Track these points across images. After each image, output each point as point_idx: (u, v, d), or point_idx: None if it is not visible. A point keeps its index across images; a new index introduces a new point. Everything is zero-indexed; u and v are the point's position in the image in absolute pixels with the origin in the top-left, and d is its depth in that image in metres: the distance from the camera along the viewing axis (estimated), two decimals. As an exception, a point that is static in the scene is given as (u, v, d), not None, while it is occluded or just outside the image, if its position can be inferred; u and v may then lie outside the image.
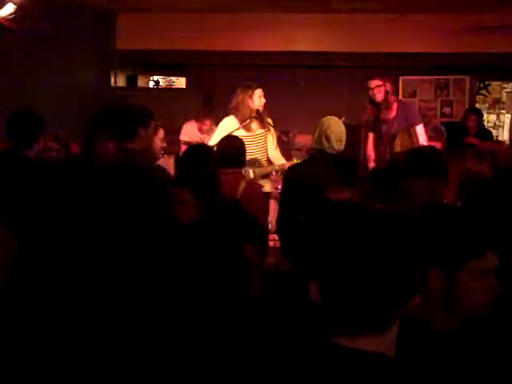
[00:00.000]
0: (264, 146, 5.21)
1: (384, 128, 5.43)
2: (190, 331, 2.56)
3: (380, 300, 1.11)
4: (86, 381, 2.25)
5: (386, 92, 5.37)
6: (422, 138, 5.30)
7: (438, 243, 1.47)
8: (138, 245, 2.61)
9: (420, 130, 5.33)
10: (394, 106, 5.41)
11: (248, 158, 4.64)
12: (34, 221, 2.96)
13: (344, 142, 4.41)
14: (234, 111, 5.10)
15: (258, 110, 5.08)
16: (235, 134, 4.76)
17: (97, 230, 2.66)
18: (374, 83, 5.39)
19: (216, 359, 2.42)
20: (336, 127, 4.40)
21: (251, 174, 4.96)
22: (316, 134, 4.35)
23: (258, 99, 5.08)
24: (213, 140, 5.02)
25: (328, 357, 1.12)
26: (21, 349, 2.23)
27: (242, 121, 5.05)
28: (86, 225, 2.68)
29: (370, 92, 5.41)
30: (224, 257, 2.75)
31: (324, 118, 4.46)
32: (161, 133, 4.19)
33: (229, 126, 5.08)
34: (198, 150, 4.05)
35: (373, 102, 5.44)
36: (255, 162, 5.08)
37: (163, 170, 3.79)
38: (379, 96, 5.36)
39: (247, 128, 5.09)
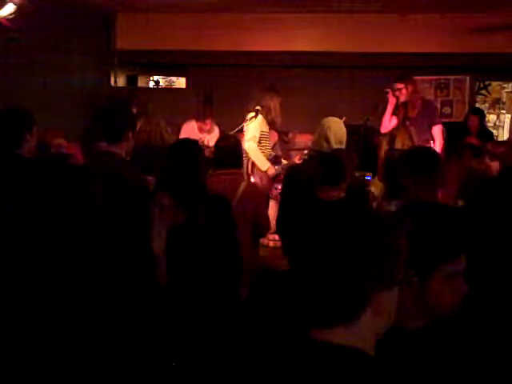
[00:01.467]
0: (271, 145, 5.68)
1: (408, 124, 5.68)
2: (180, 329, 2.56)
3: (341, 293, 1.16)
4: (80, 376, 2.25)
5: (410, 92, 5.69)
6: (438, 140, 5.53)
7: (411, 245, 1.49)
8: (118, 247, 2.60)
9: (437, 130, 5.57)
10: (418, 103, 5.68)
11: (270, 154, 5.43)
12: (32, 220, 2.96)
13: (344, 143, 4.42)
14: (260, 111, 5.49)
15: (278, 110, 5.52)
16: (265, 131, 5.45)
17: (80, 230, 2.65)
18: (397, 86, 5.72)
19: (203, 356, 2.42)
20: (336, 128, 4.42)
21: (279, 170, 5.39)
22: (316, 134, 4.37)
23: (278, 104, 5.52)
24: (249, 137, 5.40)
25: (305, 351, 1.16)
26: (15, 346, 2.23)
27: (269, 120, 5.49)
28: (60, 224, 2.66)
29: (396, 93, 5.74)
30: (211, 259, 2.76)
31: (325, 119, 4.49)
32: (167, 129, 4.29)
33: (259, 124, 5.46)
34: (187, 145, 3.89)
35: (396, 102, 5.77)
36: (278, 158, 5.56)
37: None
38: (402, 97, 5.70)
39: (268, 126, 5.53)
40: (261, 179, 5.36)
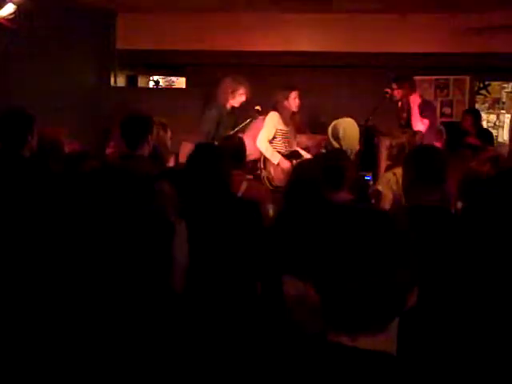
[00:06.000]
0: (293, 142, 5.81)
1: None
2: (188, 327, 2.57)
3: (378, 299, 1.11)
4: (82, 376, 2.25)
5: (403, 94, 5.87)
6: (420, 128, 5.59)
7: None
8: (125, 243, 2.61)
9: (425, 123, 5.65)
10: (415, 104, 5.83)
11: (289, 151, 5.59)
12: (34, 220, 2.96)
13: (347, 141, 4.46)
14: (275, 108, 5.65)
15: (296, 107, 5.65)
16: (281, 128, 5.59)
17: (91, 229, 2.66)
18: (392, 86, 5.91)
19: (216, 359, 2.42)
20: (336, 125, 4.47)
21: None
22: (328, 135, 4.44)
23: (293, 100, 5.61)
24: (264, 135, 5.56)
25: (329, 355, 1.12)
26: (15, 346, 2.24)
27: (285, 117, 5.62)
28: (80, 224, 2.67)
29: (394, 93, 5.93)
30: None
31: (336, 120, 4.57)
32: (169, 132, 4.31)
33: (274, 121, 5.62)
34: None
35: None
36: (298, 155, 5.63)
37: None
38: (397, 97, 5.90)
39: (286, 123, 5.66)
40: (274, 171, 5.55)
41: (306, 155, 5.69)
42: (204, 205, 3.06)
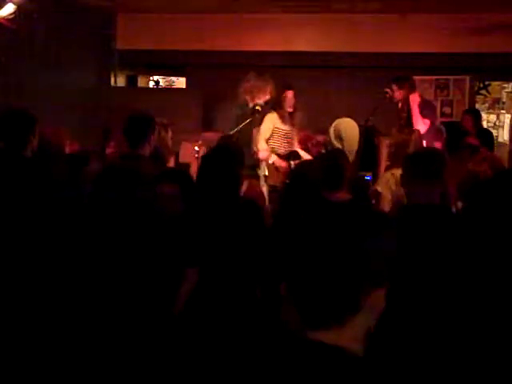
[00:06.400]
0: (293, 141, 5.82)
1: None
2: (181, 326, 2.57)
3: (332, 296, 1.17)
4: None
5: (403, 94, 5.82)
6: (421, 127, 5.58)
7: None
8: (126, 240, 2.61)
9: (426, 123, 5.63)
10: (415, 103, 5.80)
11: (287, 150, 5.58)
12: (35, 221, 2.96)
13: (348, 141, 4.47)
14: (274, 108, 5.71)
15: (289, 106, 5.68)
16: (279, 127, 5.61)
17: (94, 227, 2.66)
18: (392, 87, 5.85)
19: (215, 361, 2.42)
20: (337, 125, 4.48)
21: (293, 166, 5.49)
22: (329, 135, 4.45)
23: (288, 100, 5.66)
24: (262, 136, 5.61)
25: (300, 351, 1.19)
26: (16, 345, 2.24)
27: (280, 116, 5.65)
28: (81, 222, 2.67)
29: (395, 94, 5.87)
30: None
31: (337, 120, 4.58)
32: (170, 132, 4.32)
33: (272, 120, 5.68)
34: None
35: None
36: (296, 155, 5.65)
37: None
38: (397, 97, 5.86)
39: (284, 122, 5.69)
40: (269, 170, 5.61)
41: (306, 156, 5.68)
42: (211, 206, 3.04)
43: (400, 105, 6.10)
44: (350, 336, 1.22)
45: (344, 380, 1.12)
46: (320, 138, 6.02)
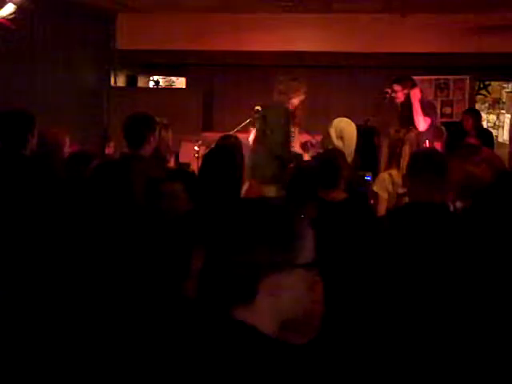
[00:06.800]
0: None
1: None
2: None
3: (240, 273, 1.25)
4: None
5: (406, 94, 5.67)
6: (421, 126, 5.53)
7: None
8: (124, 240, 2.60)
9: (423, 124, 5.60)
10: (416, 99, 5.66)
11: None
12: (35, 219, 2.96)
13: (354, 142, 4.48)
14: None
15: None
16: None
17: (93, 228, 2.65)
18: (394, 88, 5.70)
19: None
20: (338, 125, 4.50)
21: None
22: (325, 133, 4.47)
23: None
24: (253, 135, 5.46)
25: (221, 329, 1.26)
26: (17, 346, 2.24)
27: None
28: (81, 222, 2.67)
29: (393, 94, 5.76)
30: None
31: (335, 120, 4.59)
32: (170, 132, 4.32)
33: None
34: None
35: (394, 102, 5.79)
36: (299, 157, 5.55)
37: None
38: (399, 99, 5.70)
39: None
40: None
41: (305, 156, 5.69)
42: (211, 207, 3.04)
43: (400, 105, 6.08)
44: (255, 314, 1.29)
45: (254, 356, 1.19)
46: (318, 137, 6.02)
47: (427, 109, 5.77)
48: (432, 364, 2.28)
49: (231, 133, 5.52)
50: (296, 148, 5.81)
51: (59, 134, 4.20)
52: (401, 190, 4.11)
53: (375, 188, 4.34)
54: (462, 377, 2.23)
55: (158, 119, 4.07)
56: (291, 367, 1.21)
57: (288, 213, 1.31)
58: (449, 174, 2.77)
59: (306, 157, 5.48)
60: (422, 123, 5.59)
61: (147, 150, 3.75)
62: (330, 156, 3.80)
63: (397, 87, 5.72)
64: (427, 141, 5.34)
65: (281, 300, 1.25)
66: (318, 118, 7.00)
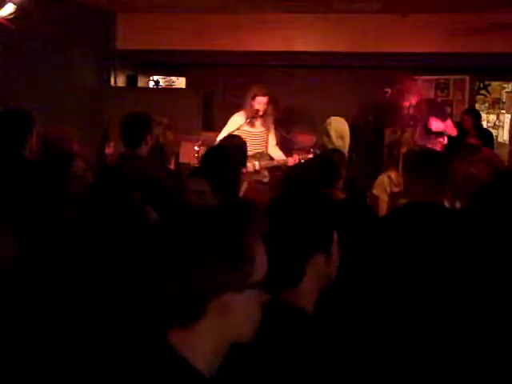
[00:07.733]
0: (264, 143, 5.79)
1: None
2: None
3: (183, 294, 1.15)
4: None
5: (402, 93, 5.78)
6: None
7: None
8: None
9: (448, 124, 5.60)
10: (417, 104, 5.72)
11: (253, 152, 5.46)
12: (35, 220, 2.96)
13: (347, 140, 4.49)
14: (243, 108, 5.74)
15: (257, 111, 5.63)
16: (242, 128, 5.53)
17: (94, 229, 2.66)
18: (397, 88, 5.89)
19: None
20: (337, 125, 4.52)
21: (257, 166, 5.56)
22: (319, 132, 4.50)
23: (257, 103, 5.64)
24: (222, 134, 5.57)
25: (154, 353, 1.17)
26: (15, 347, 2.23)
27: (247, 118, 5.65)
28: (83, 223, 2.68)
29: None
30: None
31: (328, 119, 4.62)
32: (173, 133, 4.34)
33: (235, 121, 5.69)
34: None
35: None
36: (261, 156, 5.63)
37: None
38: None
39: (251, 124, 5.67)
40: None
41: (279, 158, 5.73)
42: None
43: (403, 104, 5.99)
44: (192, 340, 1.20)
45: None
46: (313, 138, 6.04)
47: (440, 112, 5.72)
48: (432, 364, 2.28)
49: (236, 132, 5.52)
50: (266, 149, 5.83)
51: (63, 133, 4.20)
52: (395, 189, 4.13)
53: (375, 191, 4.35)
54: (462, 377, 2.23)
55: (164, 120, 4.07)
56: None
57: (235, 227, 1.19)
58: (449, 174, 2.78)
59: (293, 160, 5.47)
60: (453, 131, 5.58)
61: (144, 149, 3.75)
62: (328, 156, 3.81)
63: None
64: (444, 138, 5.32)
65: (229, 321, 1.15)
66: (318, 118, 7.01)
